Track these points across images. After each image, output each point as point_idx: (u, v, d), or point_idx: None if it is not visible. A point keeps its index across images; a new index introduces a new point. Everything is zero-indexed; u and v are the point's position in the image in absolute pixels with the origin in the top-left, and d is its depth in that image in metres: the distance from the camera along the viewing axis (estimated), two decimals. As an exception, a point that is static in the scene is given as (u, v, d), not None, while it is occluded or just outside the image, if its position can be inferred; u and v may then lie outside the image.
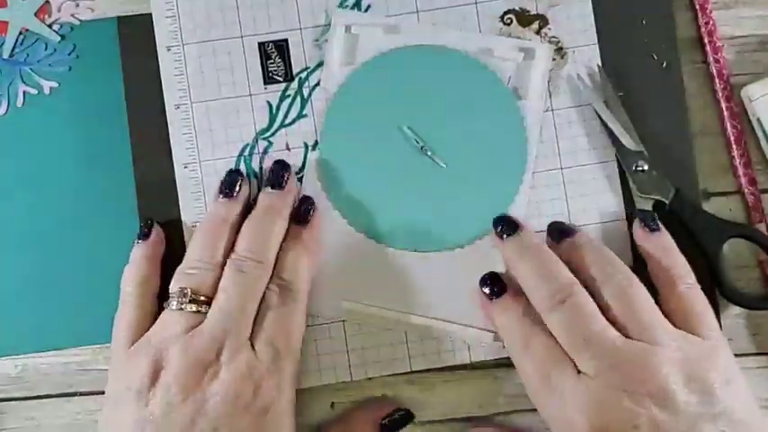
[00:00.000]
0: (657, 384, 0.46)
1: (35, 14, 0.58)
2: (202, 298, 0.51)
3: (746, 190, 0.58)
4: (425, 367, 0.57)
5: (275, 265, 0.53)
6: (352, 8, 0.58)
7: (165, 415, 0.47)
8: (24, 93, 0.57)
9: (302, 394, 0.57)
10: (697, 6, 0.59)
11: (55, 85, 0.57)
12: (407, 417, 0.56)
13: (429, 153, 0.56)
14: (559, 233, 0.54)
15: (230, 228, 0.54)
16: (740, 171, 0.59)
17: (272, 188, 0.55)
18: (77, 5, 0.58)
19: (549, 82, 0.58)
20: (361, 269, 0.56)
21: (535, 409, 0.56)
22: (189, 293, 0.51)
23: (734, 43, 0.60)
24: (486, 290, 0.54)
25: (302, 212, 0.55)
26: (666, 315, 0.50)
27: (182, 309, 0.50)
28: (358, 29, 0.57)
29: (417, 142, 0.56)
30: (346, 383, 0.57)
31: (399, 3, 0.58)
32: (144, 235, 0.55)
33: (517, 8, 0.58)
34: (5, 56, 0.57)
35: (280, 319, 0.51)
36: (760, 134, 0.58)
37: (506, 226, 0.54)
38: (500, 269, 0.55)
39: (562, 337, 0.49)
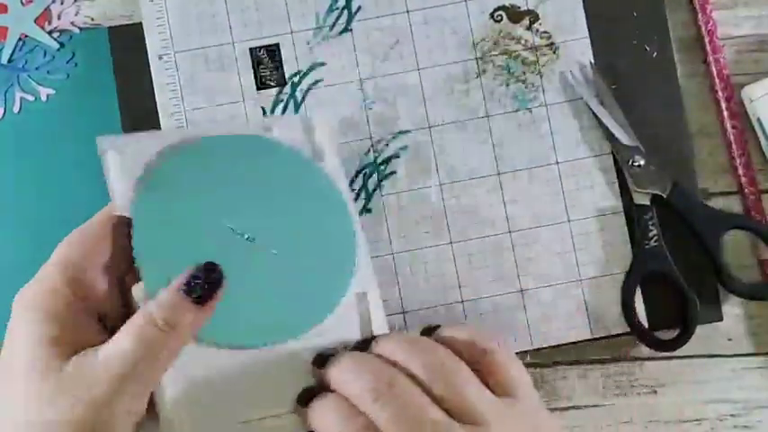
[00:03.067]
0: None
1: (35, 21, 0.58)
2: None
3: (746, 190, 0.58)
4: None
5: None
6: (342, 10, 0.58)
7: None
8: (21, 99, 0.58)
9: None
10: (697, 6, 0.59)
11: (52, 92, 0.58)
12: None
13: (253, 242, 0.48)
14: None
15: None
16: (740, 171, 0.58)
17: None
18: (77, 14, 0.59)
19: (541, 78, 0.58)
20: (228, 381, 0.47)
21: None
22: None
23: (734, 43, 0.60)
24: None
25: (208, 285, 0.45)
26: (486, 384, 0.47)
27: None
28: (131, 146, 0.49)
29: (241, 235, 0.48)
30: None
31: (389, 3, 0.58)
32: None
33: (507, 4, 0.59)
34: (4, 61, 0.58)
35: None
36: (760, 134, 0.58)
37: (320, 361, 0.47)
38: None
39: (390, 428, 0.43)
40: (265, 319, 0.47)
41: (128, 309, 0.47)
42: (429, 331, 0.48)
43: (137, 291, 0.45)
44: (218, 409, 0.46)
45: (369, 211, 0.58)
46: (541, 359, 0.58)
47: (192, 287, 0.44)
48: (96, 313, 0.46)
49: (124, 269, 0.47)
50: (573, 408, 0.58)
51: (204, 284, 0.44)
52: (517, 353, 0.57)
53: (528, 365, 0.56)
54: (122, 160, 0.48)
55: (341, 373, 0.45)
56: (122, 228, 0.47)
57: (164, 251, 0.46)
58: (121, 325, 0.44)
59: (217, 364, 0.46)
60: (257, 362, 0.47)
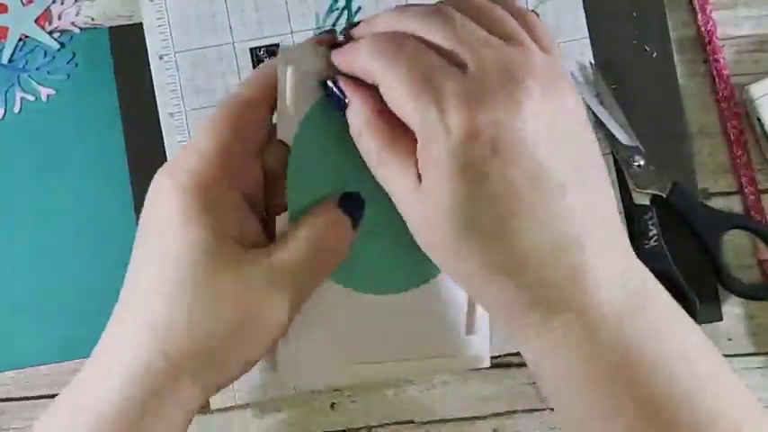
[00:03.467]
0: (536, 72, 0.42)
1: (35, 21, 0.58)
2: None
3: (746, 190, 0.58)
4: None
5: None
6: (342, 11, 0.58)
7: None
8: (21, 99, 0.58)
9: (302, 395, 0.57)
10: (697, 6, 0.59)
11: (53, 92, 0.58)
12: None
13: None
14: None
15: None
16: (740, 171, 0.58)
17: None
18: (77, 14, 0.59)
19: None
20: (349, 327, 0.51)
21: (535, 410, 0.57)
22: None
23: (734, 43, 0.60)
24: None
25: None
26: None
27: None
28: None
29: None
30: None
31: (390, 4, 0.58)
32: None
33: (508, 4, 0.59)
34: (4, 61, 0.58)
35: None
36: (760, 134, 0.58)
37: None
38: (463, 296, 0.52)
39: (435, 35, 0.43)
40: (387, 268, 0.49)
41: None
42: None
43: (281, 221, 0.47)
44: (331, 346, 0.50)
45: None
46: (541, 359, 0.58)
47: (345, 205, 0.48)
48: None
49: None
50: (573, 408, 0.58)
51: (355, 205, 0.48)
52: (515, 354, 0.57)
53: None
54: (300, 78, 0.47)
55: (377, 18, 0.46)
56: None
57: (313, 184, 0.48)
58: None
59: (336, 305, 0.49)
60: (372, 308, 0.50)
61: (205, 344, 0.45)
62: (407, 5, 0.45)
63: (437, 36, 0.43)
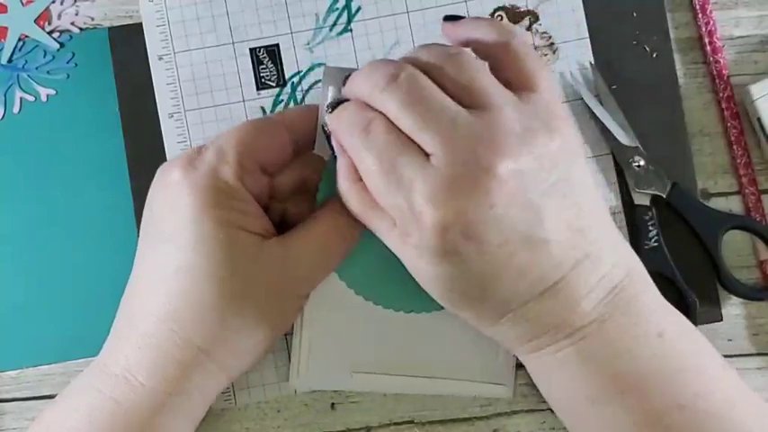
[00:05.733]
0: (503, 144, 0.43)
1: (35, 21, 0.58)
2: None
3: (747, 190, 0.58)
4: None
5: None
6: (342, 11, 0.58)
7: None
8: (21, 99, 0.58)
9: (302, 395, 0.57)
10: (697, 6, 0.59)
11: (52, 92, 0.58)
12: None
13: None
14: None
15: None
16: (740, 171, 0.58)
17: None
18: (77, 14, 0.59)
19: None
20: (364, 336, 0.54)
21: (535, 410, 0.56)
22: None
23: (734, 43, 0.60)
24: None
25: None
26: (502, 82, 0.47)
27: None
28: None
29: None
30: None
31: (389, 4, 0.58)
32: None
33: (507, 5, 0.59)
34: (4, 61, 0.58)
35: None
36: (760, 134, 0.58)
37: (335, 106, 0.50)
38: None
39: (401, 118, 0.44)
40: (414, 288, 0.48)
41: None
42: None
43: None
44: (338, 352, 0.54)
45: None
46: (541, 359, 0.58)
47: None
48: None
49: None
50: (573, 408, 0.58)
51: None
52: (515, 355, 0.57)
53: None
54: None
55: (353, 81, 0.47)
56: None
57: None
58: None
59: (355, 317, 0.53)
60: (395, 323, 0.53)
61: (224, 332, 0.48)
62: (376, 64, 0.47)
63: (401, 121, 0.44)
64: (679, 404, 0.45)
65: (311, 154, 0.52)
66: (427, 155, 0.44)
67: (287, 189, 0.52)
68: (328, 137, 0.49)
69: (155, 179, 0.50)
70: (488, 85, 0.45)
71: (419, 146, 0.44)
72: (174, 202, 0.48)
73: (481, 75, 0.45)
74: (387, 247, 0.48)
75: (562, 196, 0.45)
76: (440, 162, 0.43)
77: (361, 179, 0.47)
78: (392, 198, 0.45)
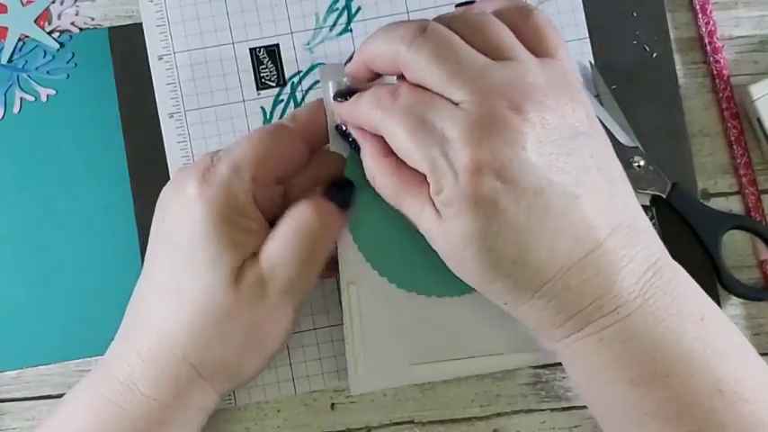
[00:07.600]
0: (532, 92, 0.43)
1: (35, 21, 0.58)
2: None
3: (747, 190, 0.58)
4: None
5: None
6: (342, 11, 0.58)
7: None
8: (21, 99, 0.58)
9: (302, 395, 0.57)
10: (697, 7, 0.59)
11: (52, 92, 0.58)
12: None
13: None
14: None
15: None
16: (740, 171, 0.58)
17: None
18: (77, 14, 0.59)
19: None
20: (415, 327, 0.53)
21: (535, 410, 0.56)
22: None
23: (734, 43, 0.60)
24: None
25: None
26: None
27: None
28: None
29: None
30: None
31: (389, 4, 0.58)
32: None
33: (508, 6, 0.59)
34: (4, 61, 0.58)
35: None
36: (760, 134, 0.58)
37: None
38: None
39: (428, 72, 0.44)
40: (446, 273, 0.48)
41: None
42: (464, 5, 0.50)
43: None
44: (396, 349, 0.53)
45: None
46: (541, 359, 0.58)
47: (330, 193, 0.50)
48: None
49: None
50: (573, 408, 0.58)
51: (338, 192, 0.50)
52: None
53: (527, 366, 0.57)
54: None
55: (368, 44, 0.47)
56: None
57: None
58: None
59: (400, 309, 0.52)
60: (434, 309, 0.53)
61: (223, 357, 0.49)
62: (396, 24, 0.46)
63: (429, 75, 0.44)
64: (720, 390, 0.44)
65: (323, 152, 0.52)
66: (456, 105, 0.44)
67: (300, 191, 0.51)
68: (343, 133, 0.50)
69: (170, 185, 0.50)
70: (513, 42, 0.45)
71: (447, 99, 0.44)
72: (188, 217, 0.48)
73: (506, 32, 0.45)
74: (420, 236, 0.48)
75: (589, 156, 0.44)
76: (470, 106, 0.43)
77: (389, 153, 0.47)
78: (424, 149, 0.44)
